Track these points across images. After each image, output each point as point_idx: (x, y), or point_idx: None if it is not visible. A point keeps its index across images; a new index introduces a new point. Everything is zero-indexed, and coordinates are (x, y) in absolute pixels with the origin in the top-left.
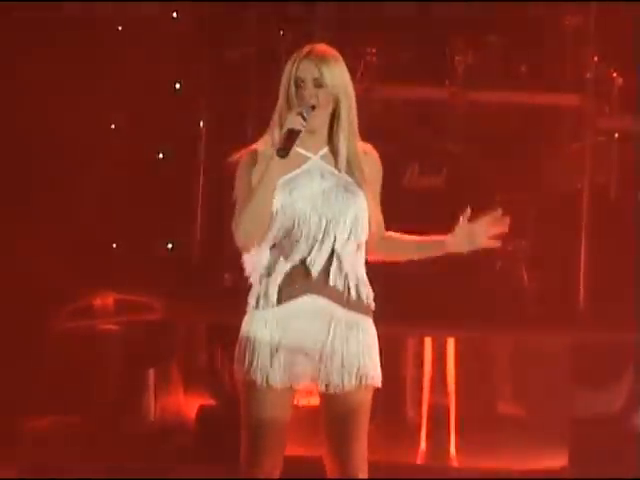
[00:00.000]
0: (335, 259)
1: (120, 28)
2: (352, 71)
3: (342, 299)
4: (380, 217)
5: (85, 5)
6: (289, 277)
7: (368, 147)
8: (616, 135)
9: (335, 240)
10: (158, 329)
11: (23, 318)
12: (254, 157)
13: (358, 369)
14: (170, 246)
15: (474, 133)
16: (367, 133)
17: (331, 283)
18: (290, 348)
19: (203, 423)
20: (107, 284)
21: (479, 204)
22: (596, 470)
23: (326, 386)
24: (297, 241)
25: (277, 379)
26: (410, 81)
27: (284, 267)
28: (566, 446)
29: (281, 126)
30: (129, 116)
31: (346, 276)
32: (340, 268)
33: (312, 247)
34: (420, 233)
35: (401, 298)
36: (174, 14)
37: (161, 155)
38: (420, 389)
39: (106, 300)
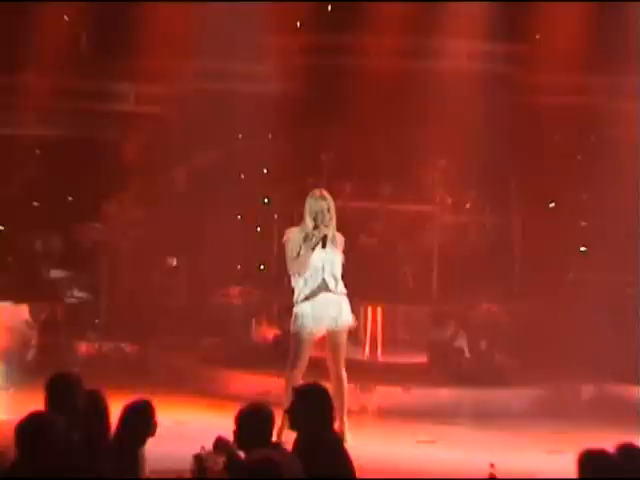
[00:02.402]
0: (329, 277)
1: (244, 176)
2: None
3: (334, 291)
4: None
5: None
6: (312, 286)
7: (339, 234)
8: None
9: (327, 271)
10: (257, 303)
11: (198, 294)
12: (290, 235)
13: (343, 320)
14: (262, 267)
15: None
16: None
17: (330, 287)
18: (315, 316)
19: (276, 343)
20: (236, 283)
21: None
22: (442, 364)
23: (331, 327)
24: (311, 274)
25: (309, 328)
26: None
27: (309, 284)
28: (426, 354)
29: (310, 227)
30: (244, 214)
31: (334, 283)
32: (331, 280)
33: (322, 274)
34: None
35: (363, 284)
36: (265, 170)
37: (259, 229)
38: (366, 327)
39: (235, 290)
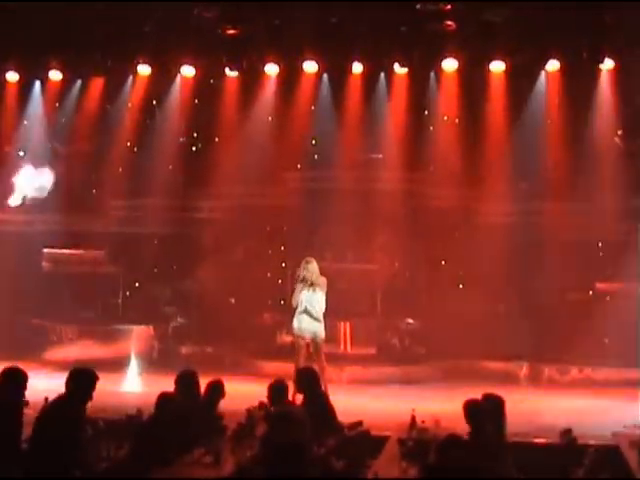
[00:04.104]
0: (309, 307)
1: (270, 252)
2: (324, 260)
3: (312, 315)
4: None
5: None
6: (300, 310)
7: (322, 278)
8: None
9: (308, 304)
10: (280, 323)
11: (246, 318)
12: (296, 281)
13: (317, 334)
14: (282, 302)
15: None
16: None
17: (309, 312)
18: (302, 328)
19: (291, 346)
20: (267, 312)
21: None
22: (384, 353)
23: (311, 337)
24: (300, 304)
25: (302, 334)
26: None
27: (298, 309)
28: (375, 347)
29: (301, 279)
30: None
31: (312, 310)
32: (309, 308)
33: (304, 305)
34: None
35: (339, 308)
36: (282, 247)
37: (280, 281)
38: (340, 332)
39: (267, 315)
